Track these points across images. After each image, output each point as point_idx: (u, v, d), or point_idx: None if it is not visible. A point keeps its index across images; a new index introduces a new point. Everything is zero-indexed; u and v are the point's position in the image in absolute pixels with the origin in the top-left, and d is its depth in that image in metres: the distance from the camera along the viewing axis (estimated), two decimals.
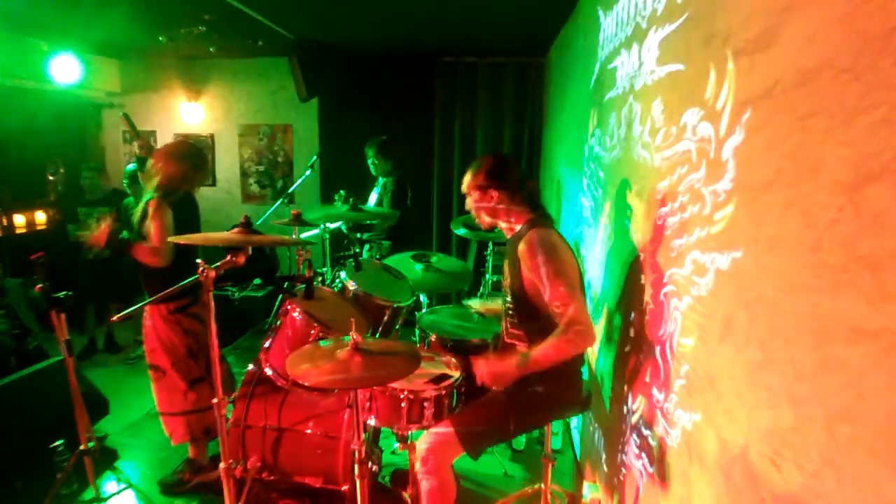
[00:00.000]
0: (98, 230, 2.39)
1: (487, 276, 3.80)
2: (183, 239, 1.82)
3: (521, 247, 1.78)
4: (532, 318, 1.84)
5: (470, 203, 1.98)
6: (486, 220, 1.97)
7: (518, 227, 1.91)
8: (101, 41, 4.90)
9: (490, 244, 3.64)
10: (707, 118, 1.29)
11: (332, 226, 3.60)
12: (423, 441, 1.78)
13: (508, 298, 1.93)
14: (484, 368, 1.79)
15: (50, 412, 2.72)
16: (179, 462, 2.73)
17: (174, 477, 2.67)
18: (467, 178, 1.95)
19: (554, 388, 1.87)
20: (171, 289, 1.80)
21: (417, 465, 1.77)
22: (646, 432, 1.70)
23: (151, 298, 1.74)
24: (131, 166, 4.17)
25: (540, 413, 1.91)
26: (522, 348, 1.88)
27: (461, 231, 3.41)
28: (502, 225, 1.97)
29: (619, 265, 2.09)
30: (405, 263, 3.00)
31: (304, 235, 3.77)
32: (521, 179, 1.93)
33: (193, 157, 2.62)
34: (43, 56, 4.55)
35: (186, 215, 2.54)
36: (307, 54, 4.73)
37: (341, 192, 3.46)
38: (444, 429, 1.78)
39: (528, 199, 1.93)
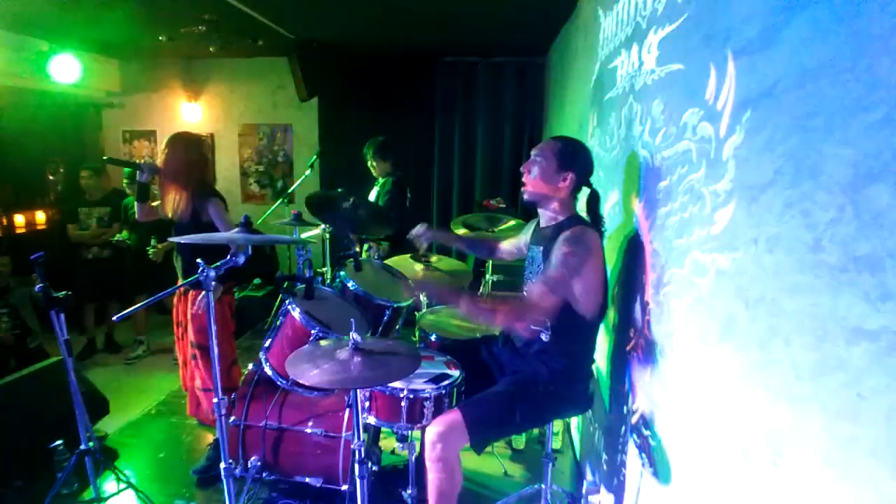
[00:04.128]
0: None
1: (487, 276, 3.80)
2: (184, 239, 1.82)
3: (563, 236, 1.76)
4: (558, 307, 1.83)
5: (534, 171, 1.87)
6: (535, 194, 1.90)
7: (561, 219, 1.89)
8: (101, 41, 4.89)
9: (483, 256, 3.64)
10: (707, 118, 1.29)
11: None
12: (432, 428, 1.77)
13: None
14: (433, 285, 1.73)
15: (50, 412, 2.71)
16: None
17: (206, 462, 2.71)
18: (551, 146, 1.87)
19: (562, 385, 1.87)
20: (171, 288, 1.81)
21: (426, 452, 1.76)
22: (646, 432, 1.70)
23: (151, 298, 1.74)
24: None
25: (546, 407, 1.91)
26: (545, 337, 1.88)
27: (461, 231, 3.41)
28: (548, 209, 1.91)
29: (619, 265, 2.09)
30: (405, 263, 3.00)
31: (304, 235, 3.77)
32: (589, 179, 1.91)
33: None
34: (43, 56, 4.55)
35: None
36: (307, 54, 4.73)
37: (339, 189, 3.45)
38: (454, 416, 1.77)
39: (576, 198, 1.91)
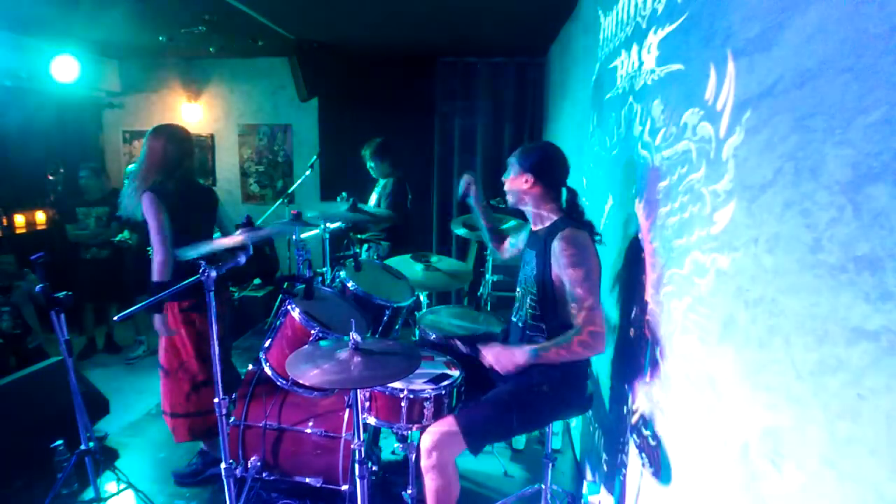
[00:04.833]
0: None
1: (487, 276, 3.79)
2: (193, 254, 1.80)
3: (557, 242, 1.78)
4: (554, 310, 1.84)
5: (507, 174, 1.98)
6: (509, 193, 1.98)
7: (553, 219, 1.91)
8: (101, 41, 4.89)
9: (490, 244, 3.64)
10: (707, 118, 1.29)
11: (332, 226, 3.60)
12: (427, 436, 1.78)
13: (531, 289, 1.91)
14: (494, 355, 1.82)
15: (50, 412, 2.72)
16: (181, 458, 2.75)
17: (188, 468, 2.69)
18: (519, 149, 1.98)
19: (559, 388, 1.87)
20: (171, 289, 1.80)
21: (422, 461, 1.77)
22: (646, 432, 1.70)
23: (151, 299, 1.74)
24: (131, 166, 4.18)
25: (543, 412, 1.91)
26: (540, 340, 1.89)
27: (461, 231, 3.41)
28: (531, 210, 1.96)
29: (618, 265, 2.09)
30: (405, 263, 3.00)
31: (304, 236, 3.76)
32: (560, 180, 1.94)
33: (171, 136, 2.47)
34: (43, 56, 4.55)
35: (187, 208, 2.45)
36: (307, 54, 4.73)
37: (343, 193, 3.45)
38: (449, 424, 1.78)
39: (558, 198, 1.94)
